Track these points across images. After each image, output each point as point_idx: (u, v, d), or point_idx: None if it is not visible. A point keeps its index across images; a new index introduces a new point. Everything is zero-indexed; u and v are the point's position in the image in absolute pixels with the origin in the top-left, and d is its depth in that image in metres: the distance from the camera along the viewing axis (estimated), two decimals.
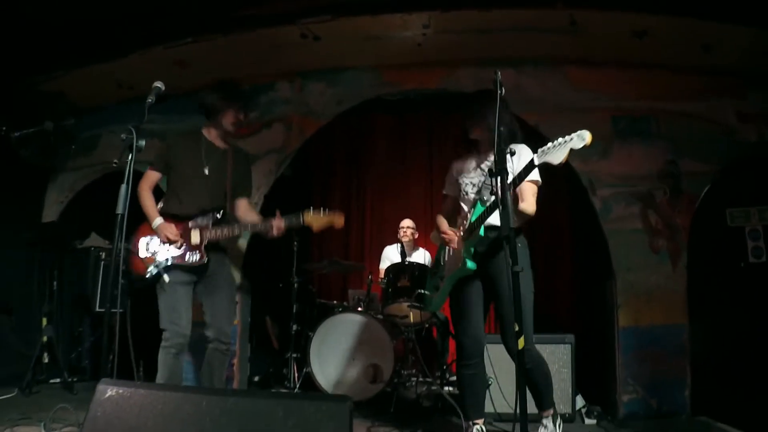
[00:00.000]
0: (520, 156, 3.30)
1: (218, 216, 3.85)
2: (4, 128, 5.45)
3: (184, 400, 2.19)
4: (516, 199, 3.35)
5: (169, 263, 3.72)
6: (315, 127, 5.61)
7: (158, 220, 3.74)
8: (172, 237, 3.72)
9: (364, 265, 6.78)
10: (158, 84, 3.37)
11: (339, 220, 3.91)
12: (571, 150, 2.87)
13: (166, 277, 3.68)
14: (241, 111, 4.02)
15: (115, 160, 3.39)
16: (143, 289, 3.79)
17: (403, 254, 5.46)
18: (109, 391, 2.29)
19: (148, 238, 3.79)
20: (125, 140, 3.11)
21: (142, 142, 3.13)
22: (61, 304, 5.78)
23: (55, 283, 5.67)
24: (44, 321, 5.38)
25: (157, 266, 3.71)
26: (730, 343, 4.77)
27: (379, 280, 5.52)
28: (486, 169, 3.53)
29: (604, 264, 4.96)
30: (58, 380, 5.36)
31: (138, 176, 3.72)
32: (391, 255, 6.43)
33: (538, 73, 5.21)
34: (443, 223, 3.74)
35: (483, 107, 3.43)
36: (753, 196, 5.22)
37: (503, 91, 2.91)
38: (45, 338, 5.23)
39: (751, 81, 5.00)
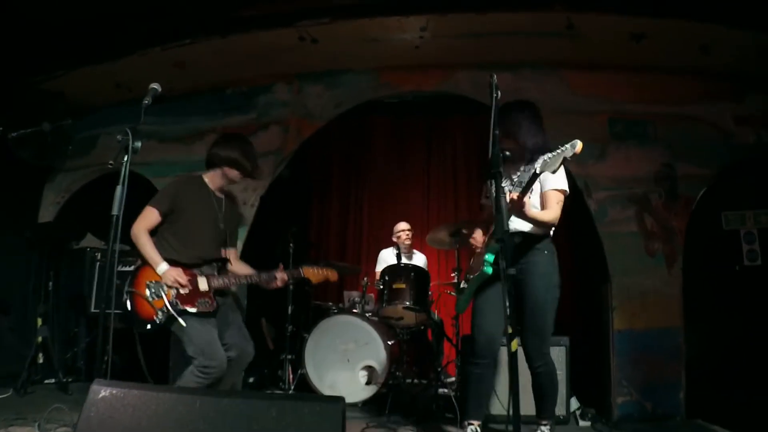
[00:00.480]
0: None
1: (221, 266, 3.89)
2: (1, 128, 5.45)
3: (177, 400, 2.20)
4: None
5: (179, 308, 3.60)
6: (312, 129, 5.62)
7: (164, 265, 3.63)
8: (183, 282, 3.62)
9: (360, 268, 6.79)
10: (155, 85, 3.37)
11: (333, 275, 4.11)
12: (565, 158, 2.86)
13: (183, 323, 3.56)
14: (254, 167, 3.99)
15: (111, 161, 3.38)
16: (149, 336, 3.72)
17: (399, 257, 5.47)
18: (102, 391, 2.30)
19: (152, 282, 3.65)
20: (121, 141, 3.11)
21: (138, 144, 3.13)
22: (57, 304, 5.77)
23: (50, 283, 5.66)
24: (39, 321, 5.37)
25: (168, 310, 3.58)
26: (725, 346, 4.78)
27: (375, 282, 5.53)
28: (515, 178, 3.55)
29: (599, 267, 4.97)
30: (53, 380, 5.34)
31: (134, 178, 3.71)
32: (387, 258, 6.43)
33: (535, 77, 5.22)
34: (477, 230, 3.77)
35: (513, 119, 3.46)
36: (748, 200, 5.23)
37: (499, 94, 2.92)
38: (40, 338, 5.22)
39: (748, 84, 5.01)
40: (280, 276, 3.88)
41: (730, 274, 5.11)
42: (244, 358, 3.85)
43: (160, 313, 3.59)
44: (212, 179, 3.94)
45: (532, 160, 3.19)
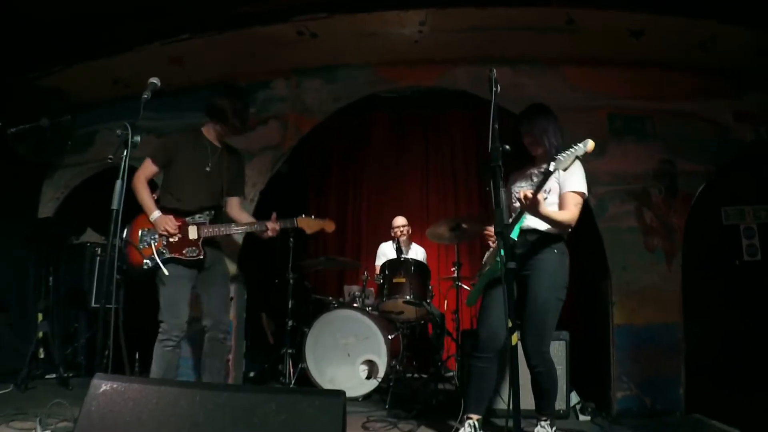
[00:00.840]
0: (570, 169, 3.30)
1: (214, 213, 3.96)
2: (0, 124, 5.45)
3: (178, 394, 2.20)
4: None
5: (166, 256, 3.75)
6: (311, 125, 5.61)
7: (156, 213, 3.78)
8: (171, 230, 3.76)
9: (359, 263, 6.80)
10: (154, 80, 3.38)
11: (330, 226, 4.18)
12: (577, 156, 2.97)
13: (165, 270, 3.71)
14: (245, 113, 4.14)
15: (110, 156, 3.39)
16: (138, 281, 3.82)
17: (399, 250, 5.47)
18: (103, 385, 2.30)
19: (145, 230, 3.82)
20: (120, 136, 3.13)
21: (138, 138, 3.14)
22: (57, 299, 5.78)
23: (50, 278, 5.67)
24: (40, 317, 5.38)
25: (154, 258, 3.73)
26: (725, 341, 4.80)
27: (375, 276, 5.54)
28: (535, 179, 3.60)
29: (599, 262, 4.97)
30: (53, 376, 5.36)
31: (133, 172, 3.73)
32: (387, 251, 6.45)
33: (534, 72, 5.20)
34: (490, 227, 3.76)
35: (540, 124, 3.58)
36: (748, 195, 5.24)
37: (498, 89, 2.93)
38: (40, 334, 5.23)
39: (747, 80, 5.00)
40: (271, 226, 3.96)
41: (730, 269, 5.13)
42: (219, 326, 3.95)
43: (148, 261, 3.75)
44: (207, 130, 4.08)
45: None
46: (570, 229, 3.50)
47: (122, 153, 3.12)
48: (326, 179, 7.94)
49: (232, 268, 5.25)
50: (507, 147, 2.78)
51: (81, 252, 5.77)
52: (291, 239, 5.48)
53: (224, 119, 3.99)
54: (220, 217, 4.01)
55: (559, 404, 4.30)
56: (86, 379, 5.18)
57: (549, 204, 3.47)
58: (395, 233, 6.35)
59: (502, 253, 3.12)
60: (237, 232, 4.14)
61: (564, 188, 3.47)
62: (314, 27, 4.86)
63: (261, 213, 5.40)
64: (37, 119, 5.57)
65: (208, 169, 3.96)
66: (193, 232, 3.83)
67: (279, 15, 4.75)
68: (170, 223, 3.76)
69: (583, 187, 3.46)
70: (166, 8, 4.79)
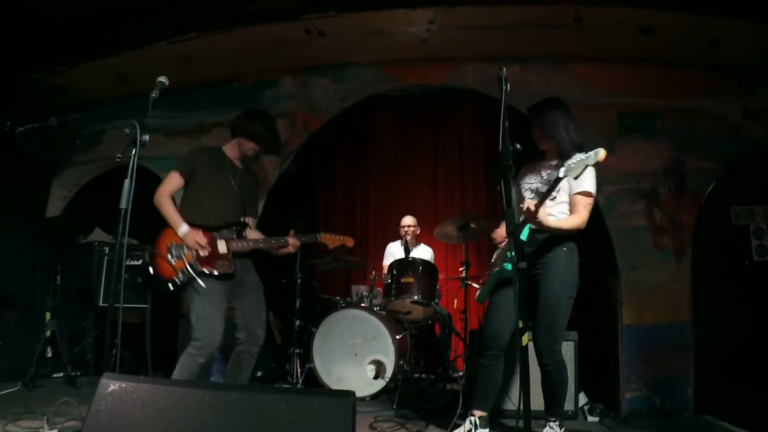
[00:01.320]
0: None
1: (240, 229, 3.98)
2: (8, 123, 5.46)
3: (186, 394, 2.19)
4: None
5: (198, 269, 3.71)
6: (319, 123, 5.61)
7: (185, 227, 3.74)
8: (203, 244, 3.73)
9: (367, 262, 6.78)
10: (162, 79, 3.37)
11: (350, 241, 4.31)
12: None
13: (201, 283, 3.67)
14: (268, 144, 4.14)
15: (119, 155, 3.39)
16: (167, 295, 3.79)
17: (407, 250, 5.46)
18: (111, 385, 2.30)
19: (173, 243, 3.77)
20: (129, 135, 3.11)
21: (146, 137, 3.13)
22: (65, 298, 5.80)
23: (58, 277, 5.67)
24: (48, 315, 5.39)
25: (187, 271, 3.69)
26: (734, 341, 4.76)
27: (383, 276, 5.53)
28: (545, 176, 3.60)
29: (608, 261, 4.94)
30: (61, 374, 5.36)
31: (141, 171, 3.72)
32: (394, 251, 6.44)
33: (543, 70, 5.18)
34: (502, 225, 3.76)
35: (547, 117, 3.57)
36: (758, 194, 5.21)
37: (508, 87, 2.91)
38: (48, 333, 5.24)
39: (757, 78, 4.97)
40: (292, 241, 4.01)
41: (739, 269, 5.09)
42: (253, 340, 3.91)
43: (180, 273, 3.70)
44: (230, 149, 4.07)
45: (568, 157, 3.18)
46: (582, 228, 3.47)
47: (131, 152, 3.11)
48: (334, 178, 7.93)
49: None
50: (518, 146, 2.76)
51: (89, 251, 5.77)
52: None
53: (254, 137, 4.00)
54: (244, 234, 4.02)
55: (568, 405, 4.28)
56: (94, 378, 5.19)
57: (558, 203, 3.47)
58: (403, 232, 6.35)
59: (513, 253, 3.13)
60: (261, 247, 4.09)
61: (573, 189, 3.45)
62: (322, 25, 4.85)
63: (270, 212, 5.42)
64: (45, 118, 5.58)
65: (235, 188, 3.98)
66: (222, 247, 3.81)
67: (287, 13, 4.74)
68: (201, 237, 3.73)
69: (591, 187, 3.43)
70: (174, 7, 4.79)
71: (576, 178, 3.06)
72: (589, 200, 3.42)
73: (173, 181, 3.87)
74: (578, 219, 3.40)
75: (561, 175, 3.05)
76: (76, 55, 5.32)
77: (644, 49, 4.88)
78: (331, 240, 4.21)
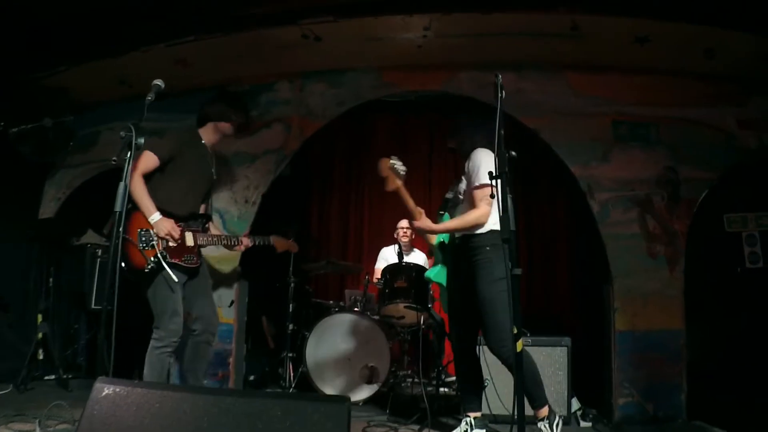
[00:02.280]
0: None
1: (204, 221, 4.04)
2: (2, 124, 5.43)
3: (181, 399, 2.19)
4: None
5: (168, 260, 3.68)
6: (314, 128, 5.61)
7: (157, 215, 3.69)
8: (175, 235, 3.70)
9: (361, 266, 6.79)
10: (158, 82, 3.37)
11: (294, 247, 4.60)
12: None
13: (174, 276, 3.64)
14: (243, 118, 4.20)
15: (114, 158, 3.38)
16: (134, 282, 3.75)
17: (401, 255, 5.46)
18: (105, 389, 2.29)
19: (143, 230, 3.70)
20: (124, 138, 3.11)
21: (141, 140, 3.13)
22: (57, 300, 5.76)
23: (51, 279, 5.65)
24: (40, 317, 5.37)
25: (159, 261, 3.65)
26: (727, 348, 4.78)
27: (376, 280, 5.53)
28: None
29: (601, 268, 4.97)
30: (53, 377, 5.35)
31: None
32: (388, 256, 6.44)
33: (539, 78, 5.21)
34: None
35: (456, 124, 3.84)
36: (750, 202, 5.23)
37: (504, 94, 2.92)
38: (40, 335, 5.22)
39: (751, 88, 5.01)
40: (245, 241, 4.19)
41: (732, 277, 5.11)
42: (210, 329, 3.98)
43: (151, 262, 3.64)
44: (206, 135, 4.06)
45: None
46: (486, 223, 3.54)
47: (126, 155, 3.10)
48: (329, 183, 7.92)
49: (233, 275, 5.31)
50: (513, 153, 2.77)
51: (82, 253, 5.75)
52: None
53: (228, 117, 4.04)
54: (207, 226, 4.08)
55: (561, 410, 4.30)
56: (86, 381, 5.19)
57: (463, 205, 3.67)
58: (398, 234, 6.36)
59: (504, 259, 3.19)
60: (219, 244, 4.13)
61: (469, 185, 3.58)
62: (319, 30, 4.86)
63: (263, 216, 5.42)
64: (40, 119, 5.56)
65: (214, 176, 4.03)
66: (189, 239, 3.81)
67: (284, 18, 4.75)
68: (175, 229, 3.71)
69: (485, 178, 3.27)
70: (172, 10, 4.79)
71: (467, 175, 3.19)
72: (485, 192, 3.42)
73: (148, 162, 3.75)
74: (475, 213, 3.50)
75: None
76: (74, 57, 5.30)
77: (640, 58, 4.91)
78: (280, 244, 4.41)
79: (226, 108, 4.06)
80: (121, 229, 3.04)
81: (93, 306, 5.52)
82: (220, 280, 5.34)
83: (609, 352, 4.80)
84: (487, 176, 3.20)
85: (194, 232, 3.85)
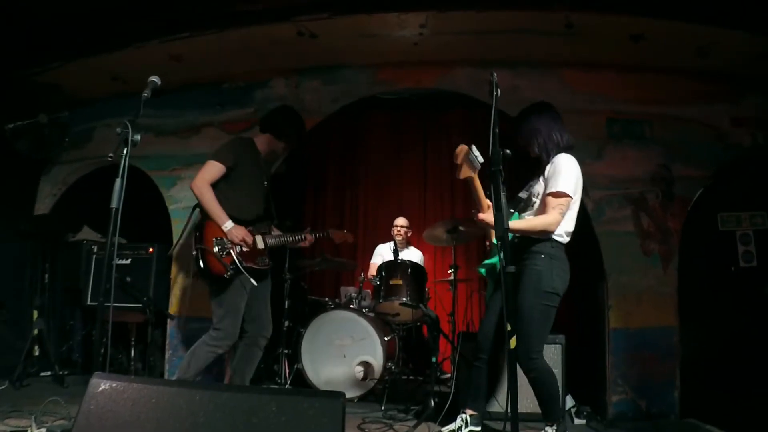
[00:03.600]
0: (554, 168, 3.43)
1: (271, 225, 4.13)
2: None
3: (177, 394, 2.20)
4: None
5: (244, 265, 3.79)
6: (310, 125, 5.58)
7: (230, 223, 3.79)
8: (249, 241, 3.82)
9: (356, 263, 6.80)
10: (154, 78, 3.37)
11: (350, 238, 4.71)
12: None
13: (253, 281, 3.79)
14: (295, 141, 4.29)
15: (110, 154, 3.38)
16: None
17: (396, 252, 5.47)
18: (102, 384, 2.29)
19: (218, 237, 3.81)
20: (121, 134, 3.11)
21: (138, 137, 3.12)
22: (53, 297, 5.76)
23: (46, 276, 5.65)
24: (35, 314, 5.37)
25: (237, 267, 3.75)
26: (720, 346, 4.81)
27: (371, 276, 5.54)
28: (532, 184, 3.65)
29: (595, 265, 4.98)
30: (48, 373, 5.35)
31: (131, 170, 3.70)
32: (383, 252, 6.46)
33: (534, 75, 5.21)
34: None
35: (527, 124, 3.61)
36: (744, 201, 5.26)
37: (499, 92, 2.93)
38: (36, 331, 5.22)
39: (744, 86, 5.02)
40: (309, 237, 4.26)
41: (726, 275, 5.14)
42: (263, 333, 4.07)
43: (230, 268, 3.74)
44: (261, 144, 4.13)
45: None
46: (554, 232, 3.41)
47: (122, 151, 3.11)
48: (324, 180, 7.93)
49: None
50: (507, 151, 2.78)
51: (77, 249, 5.74)
52: None
53: (286, 137, 4.13)
54: (271, 229, 4.15)
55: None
56: (81, 377, 5.19)
57: (535, 208, 3.52)
58: (395, 232, 6.38)
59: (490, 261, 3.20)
60: (285, 243, 4.24)
61: (546, 191, 3.42)
62: (314, 27, 4.86)
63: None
64: (35, 115, 5.55)
65: (266, 183, 4.08)
66: (260, 242, 3.92)
67: (280, 14, 4.74)
68: (248, 235, 3.82)
69: (565, 187, 3.34)
70: (167, 5, 4.78)
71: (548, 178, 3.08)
72: (560, 201, 3.34)
73: (213, 171, 3.86)
74: (545, 219, 3.35)
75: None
76: (68, 53, 5.30)
77: (634, 55, 4.93)
78: (338, 236, 4.54)
79: (288, 127, 4.14)
80: (117, 227, 3.04)
81: (88, 302, 5.52)
82: None
83: (603, 350, 4.82)
84: (568, 185, 3.30)
85: (263, 235, 3.96)
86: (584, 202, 4.94)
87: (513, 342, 2.51)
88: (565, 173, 3.36)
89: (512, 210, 3.68)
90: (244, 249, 3.82)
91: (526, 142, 3.59)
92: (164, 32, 5.04)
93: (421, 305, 5.01)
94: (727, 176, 5.07)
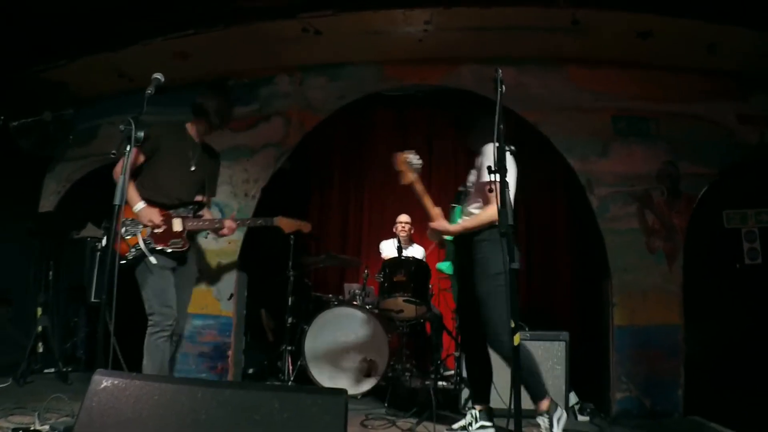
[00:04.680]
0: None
1: (196, 209, 4.04)
2: (2, 117, 5.44)
3: (180, 391, 2.19)
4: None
5: (152, 246, 3.76)
6: (315, 122, 5.61)
7: (141, 204, 3.77)
8: (157, 221, 3.76)
9: (360, 260, 6.79)
10: (158, 75, 3.36)
11: (306, 227, 4.30)
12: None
13: (153, 259, 3.73)
14: (228, 111, 4.14)
15: (113, 151, 3.39)
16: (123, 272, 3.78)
17: (400, 249, 5.46)
18: (104, 381, 2.29)
19: (128, 219, 3.79)
20: (124, 131, 3.10)
21: (141, 134, 3.13)
22: (57, 294, 5.76)
23: (51, 273, 5.65)
24: (39, 311, 5.37)
25: (140, 247, 3.73)
26: (725, 344, 4.78)
27: (376, 275, 5.53)
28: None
29: (600, 263, 4.97)
30: (52, 370, 5.34)
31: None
32: (387, 249, 6.44)
33: (539, 72, 5.20)
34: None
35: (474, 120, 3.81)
36: (750, 198, 5.23)
37: (504, 88, 2.91)
38: (40, 328, 5.22)
39: (752, 84, 5.01)
40: (228, 224, 4.03)
41: (731, 273, 5.11)
42: (178, 332, 3.95)
43: (133, 249, 3.74)
44: (191, 126, 4.07)
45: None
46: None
47: (125, 148, 3.11)
48: (329, 177, 7.92)
49: (232, 268, 5.31)
50: (512, 147, 2.77)
51: (81, 246, 5.75)
52: (292, 237, 5.46)
53: (206, 117, 3.99)
54: (200, 213, 4.08)
55: (558, 404, 4.31)
56: (85, 374, 5.18)
57: (475, 199, 3.70)
58: (397, 228, 6.36)
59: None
60: (213, 227, 4.10)
61: (478, 181, 3.60)
62: (319, 24, 4.86)
63: (262, 209, 5.43)
64: (40, 112, 5.56)
65: (192, 167, 3.98)
66: (177, 225, 3.86)
67: (284, 11, 4.75)
68: (155, 215, 3.76)
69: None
70: (172, 3, 4.79)
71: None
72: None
73: (132, 158, 3.68)
74: (489, 211, 3.46)
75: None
76: (74, 51, 5.30)
77: (641, 53, 4.92)
78: (287, 224, 4.19)
79: (209, 107, 3.99)
80: (115, 223, 3.05)
81: (92, 299, 5.53)
82: (219, 273, 5.36)
83: (607, 347, 4.82)
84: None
85: (183, 218, 3.90)
86: (589, 199, 4.94)
87: (517, 338, 2.49)
88: (488, 159, 3.44)
89: (454, 204, 3.94)
90: (156, 231, 3.78)
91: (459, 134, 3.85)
92: (169, 30, 5.05)
93: (424, 302, 5.00)
94: (733, 174, 5.04)
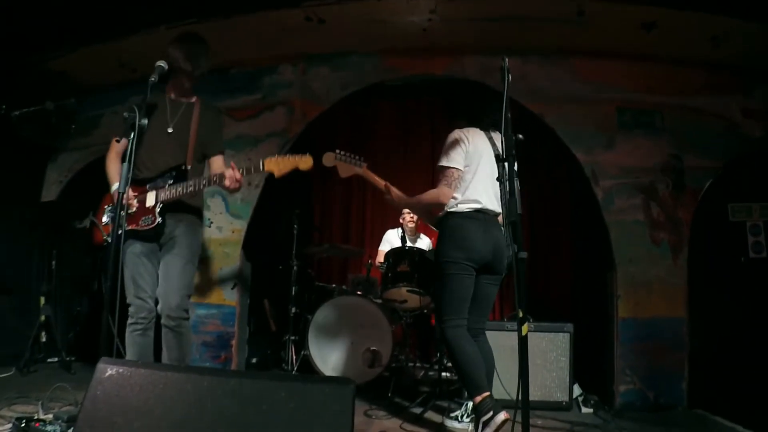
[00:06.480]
0: None
1: (176, 174, 3.54)
2: (4, 107, 5.42)
3: (185, 380, 2.18)
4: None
5: (126, 229, 3.40)
6: (318, 111, 5.58)
7: (114, 186, 3.49)
8: (128, 200, 3.43)
9: (363, 250, 6.78)
10: (161, 63, 3.34)
11: (306, 161, 3.77)
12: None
13: (108, 239, 3.44)
14: (199, 55, 3.76)
15: (117, 137, 3.37)
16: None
17: (404, 239, 5.45)
18: (109, 370, 2.27)
19: (109, 206, 3.62)
20: (128, 119, 3.08)
21: (145, 121, 3.11)
22: (60, 283, 5.76)
23: (53, 262, 5.65)
24: (42, 300, 5.37)
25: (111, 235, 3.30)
26: (729, 337, 4.78)
27: (378, 264, 5.52)
28: None
29: (605, 255, 4.96)
30: (55, 359, 5.36)
31: None
32: (392, 239, 6.43)
33: (544, 63, 5.18)
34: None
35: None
36: (755, 192, 5.22)
37: (510, 77, 2.89)
38: (43, 317, 5.23)
39: (756, 77, 4.99)
40: (230, 174, 3.44)
41: (735, 266, 5.11)
42: (166, 312, 3.46)
43: (107, 238, 3.52)
44: (168, 89, 3.73)
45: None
46: (445, 204, 3.61)
47: (129, 135, 3.08)
48: (332, 167, 7.89)
49: (236, 258, 5.28)
50: (520, 136, 2.75)
51: (84, 236, 5.74)
52: (295, 226, 5.46)
53: (178, 68, 3.58)
54: (185, 177, 3.53)
55: (562, 396, 4.32)
56: (88, 364, 5.18)
57: None
58: (403, 218, 6.35)
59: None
60: (197, 188, 3.51)
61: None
62: (322, 13, 4.82)
63: (266, 198, 5.41)
64: (42, 102, 5.54)
65: (169, 130, 3.59)
66: (151, 199, 3.46)
67: (288, 0, 4.71)
68: (130, 197, 3.43)
69: (445, 161, 3.58)
70: None
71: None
72: (444, 173, 3.57)
73: (113, 146, 3.61)
74: (432, 192, 3.62)
75: None
76: (75, 40, 5.27)
77: (646, 45, 4.89)
78: (278, 165, 3.64)
79: (177, 57, 3.59)
80: (120, 211, 3.00)
81: (95, 288, 5.52)
82: (223, 262, 5.35)
83: (611, 339, 4.81)
84: (448, 159, 3.54)
85: (157, 190, 3.48)
86: (594, 191, 4.92)
87: (525, 329, 2.47)
88: (447, 147, 3.60)
89: None
90: (130, 211, 3.43)
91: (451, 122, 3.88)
92: (172, 18, 5.00)
93: (428, 292, 4.99)
94: (737, 167, 5.03)
